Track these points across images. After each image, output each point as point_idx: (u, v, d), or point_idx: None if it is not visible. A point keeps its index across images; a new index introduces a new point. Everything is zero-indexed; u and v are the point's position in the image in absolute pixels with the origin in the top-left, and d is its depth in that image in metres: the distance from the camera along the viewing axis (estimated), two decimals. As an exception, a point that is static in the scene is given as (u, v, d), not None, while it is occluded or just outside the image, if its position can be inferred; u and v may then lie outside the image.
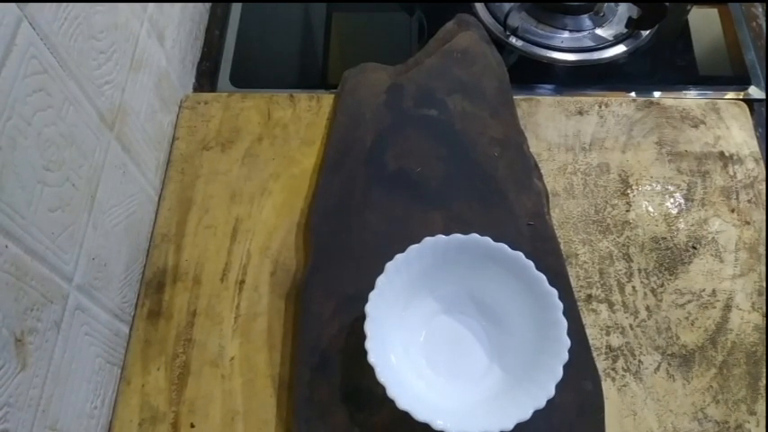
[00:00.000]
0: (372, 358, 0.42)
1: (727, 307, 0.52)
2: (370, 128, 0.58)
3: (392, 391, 0.41)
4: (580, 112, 0.63)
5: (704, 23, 0.72)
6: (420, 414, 0.41)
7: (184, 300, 0.53)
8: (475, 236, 0.47)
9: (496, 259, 0.47)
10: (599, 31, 0.70)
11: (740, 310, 0.52)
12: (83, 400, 0.45)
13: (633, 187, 0.58)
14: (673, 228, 0.56)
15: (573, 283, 0.53)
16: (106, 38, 0.47)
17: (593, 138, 0.61)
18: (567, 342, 0.43)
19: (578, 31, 0.70)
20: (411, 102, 0.60)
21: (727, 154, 0.60)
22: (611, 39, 0.70)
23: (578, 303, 0.52)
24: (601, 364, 0.50)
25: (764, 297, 0.53)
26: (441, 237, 0.47)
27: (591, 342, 0.50)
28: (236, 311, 0.52)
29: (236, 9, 0.73)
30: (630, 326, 0.52)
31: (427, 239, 0.47)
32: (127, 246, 0.52)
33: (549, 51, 0.69)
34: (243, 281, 0.54)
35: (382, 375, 0.42)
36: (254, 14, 0.73)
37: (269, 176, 0.59)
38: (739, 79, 0.67)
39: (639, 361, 0.50)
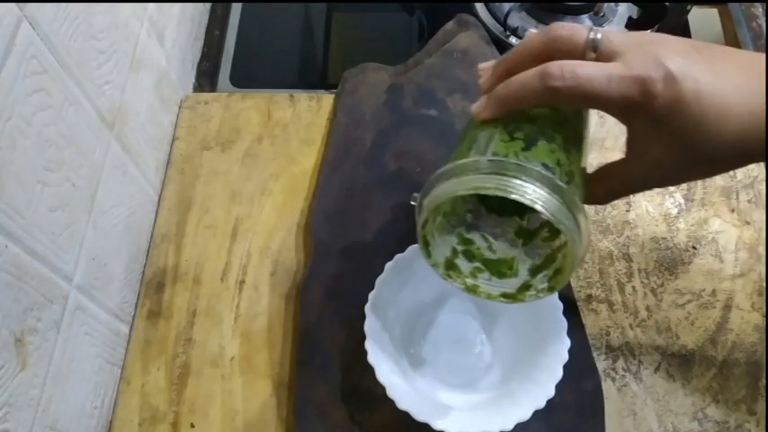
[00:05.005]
0: (372, 358, 0.42)
1: (727, 307, 0.52)
2: (370, 128, 0.58)
3: (392, 391, 0.41)
4: (580, 112, 0.63)
5: (704, 23, 0.72)
6: (420, 414, 0.41)
7: (184, 300, 0.53)
8: (475, 236, 0.47)
9: (496, 259, 0.47)
10: (599, 31, 0.70)
11: (740, 310, 0.52)
12: (83, 400, 0.45)
13: (633, 187, 0.58)
14: (673, 228, 0.56)
15: (573, 283, 0.53)
16: (106, 38, 0.47)
17: (593, 138, 0.61)
18: (567, 342, 0.43)
19: (578, 31, 0.70)
20: (411, 102, 0.60)
21: (727, 154, 0.60)
22: (611, 39, 0.69)
23: (578, 303, 0.52)
24: (601, 364, 0.50)
25: (764, 297, 0.53)
26: (441, 237, 0.47)
27: (591, 342, 0.50)
28: (236, 311, 0.52)
29: (236, 9, 0.73)
30: (630, 326, 0.52)
31: (427, 239, 0.47)
32: (127, 246, 0.52)
33: (549, 51, 0.69)
34: (243, 281, 0.54)
35: (382, 375, 0.42)
36: (254, 14, 0.73)
37: (269, 176, 0.59)
38: (739, 79, 0.67)
39: (639, 361, 0.50)
